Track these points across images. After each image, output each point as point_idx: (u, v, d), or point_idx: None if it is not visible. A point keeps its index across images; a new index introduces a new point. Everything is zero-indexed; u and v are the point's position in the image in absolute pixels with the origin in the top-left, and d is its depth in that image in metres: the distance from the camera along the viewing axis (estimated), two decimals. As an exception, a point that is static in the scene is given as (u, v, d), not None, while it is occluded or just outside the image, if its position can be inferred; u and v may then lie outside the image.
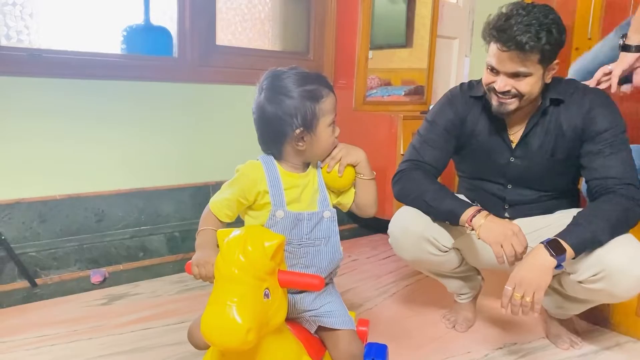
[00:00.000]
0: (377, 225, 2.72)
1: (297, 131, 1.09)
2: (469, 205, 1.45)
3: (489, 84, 1.45)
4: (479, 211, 1.42)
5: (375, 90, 2.97)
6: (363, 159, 1.20)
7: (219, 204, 1.12)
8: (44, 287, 2.00)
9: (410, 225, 1.53)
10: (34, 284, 1.99)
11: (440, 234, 1.54)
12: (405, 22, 3.77)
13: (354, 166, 1.19)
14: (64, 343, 1.61)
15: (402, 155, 2.54)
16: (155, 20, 2.29)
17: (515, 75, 1.39)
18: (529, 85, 1.40)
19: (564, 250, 1.31)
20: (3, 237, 1.84)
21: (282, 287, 0.96)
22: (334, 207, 1.22)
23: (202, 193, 2.44)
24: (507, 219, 1.56)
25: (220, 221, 1.12)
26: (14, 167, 1.98)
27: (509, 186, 1.60)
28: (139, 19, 2.26)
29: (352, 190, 1.23)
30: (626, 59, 1.60)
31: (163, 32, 2.31)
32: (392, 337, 1.67)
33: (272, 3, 2.67)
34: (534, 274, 1.30)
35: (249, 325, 0.84)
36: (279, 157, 1.16)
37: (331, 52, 2.82)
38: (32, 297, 1.93)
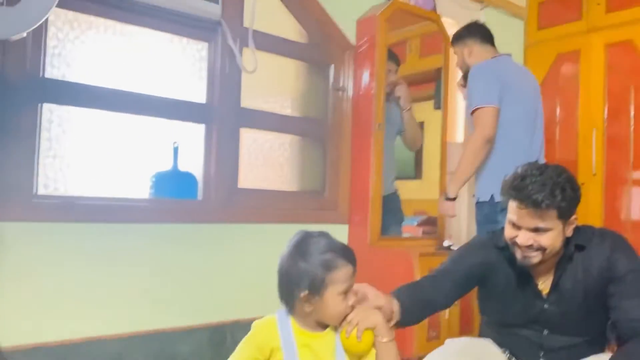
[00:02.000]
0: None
1: (303, 294, 1.14)
2: None
3: (512, 238, 1.50)
4: None
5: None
6: (380, 322, 1.20)
7: None
8: None
9: None
10: None
11: None
12: (414, 155, 3.97)
13: (372, 329, 1.20)
14: None
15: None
16: (182, 166, 2.45)
17: (536, 230, 1.44)
18: (551, 239, 1.45)
19: None
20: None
21: None
22: None
23: (219, 333, 2.42)
24: None
25: None
26: (38, 312, 2.00)
27: (545, 332, 1.59)
28: (167, 165, 2.42)
29: (373, 351, 1.22)
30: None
31: (189, 177, 2.45)
32: None
33: (291, 148, 2.86)
34: None
35: None
36: (293, 312, 1.20)
37: (346, 190, 2.94)
38: None
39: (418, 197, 3.44)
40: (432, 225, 3.35)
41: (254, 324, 1.20)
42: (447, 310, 2.51)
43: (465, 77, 2.71)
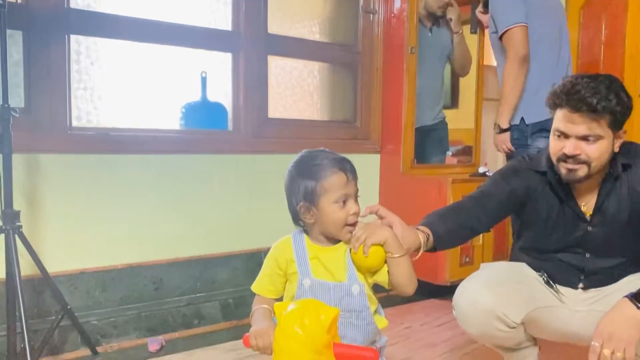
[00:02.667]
0: (431, 290, 2.68)
1: (299, 205, 1.18)
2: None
3: (559, 150, 1.44)
4: None
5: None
6: (389, 237, 1.18)
7: (259, 283, 1.24)
8: (104, 355, 2.06)
9: (479, 298, 1.48)
10: (95, 352, 2.05)
11: (510, 309, 1.48)
12: (451, 84, 3.85)
13: (382, 245, 1.18)
14: (124, 413, 1.64)
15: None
16: (211, 96, 2.44)
17: (585, 139, 1.39)
18: (599, 150, 1.39)
19: None
20: (69, 307, 1.93)
21: None
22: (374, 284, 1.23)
23: (255, 260, 2.49)
24: (580, 289, 1.56)
25: (267, 298, 1.23)
26: (80, 240, 2.09)
27: (587, 255, 1.56)
28: (196, 96, 2.41)
29: (386, 268, 1.22)
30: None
31: (219, 107, 2.45)
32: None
33: (320, 76, 2.80)
34: (622, 328, 1.25)
35: None
36: (305, 229, 1.24)
37: (377, 118, 2.89)
38: (94, 365, 1.98)
39: (454, 126, 3.35)
40: (468, 155, 3.29)
41: (274, 244, 1.28)
42: (480, 236, 2.49)
43: (485, 3, 2.60)
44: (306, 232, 1.25)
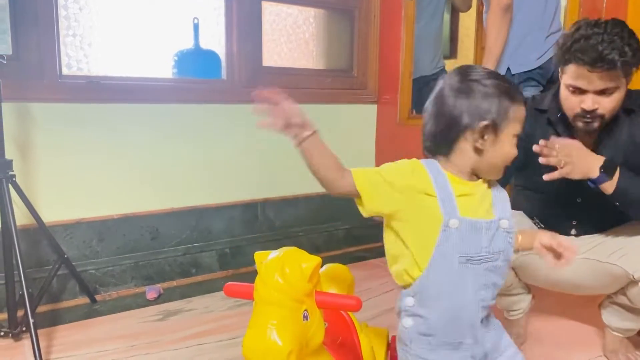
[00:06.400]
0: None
1: (483, 124, 0.97)
2: None
3: (577, 106, 1.42)
4: None
5: (420, 104, 2.97)
6: None
7: (365, 177, 0.99)
8: (102, 304, 2.09)
9: None
10: (93, 300, 2.08)
11: None
12: (450, 34, 3.77)
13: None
14: (124, 358, 1.68)
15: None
16: (204, 44, 2.38)
17: (602, 92, 1.38)
18: (614, 101, 1.39)
19: (610, 178, 1.37)
20: (66, 256, 1.94)
21: (319, 308, 0.97)
22: None
23: (251, 210, 2.50)
24: (572, 236, 1.59)
25: (355, 191, 0.99)
26: (74, 190, 2.09)
27: (579, 199, 1.57)
28: (189, 44, 2.35)
29: None
30: None
31: (212, 55, 2.39)
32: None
33: (315, 23, 2.73)
34: (580, 155, 1.39)
35: (290, 347, 0.86)
36: (445, 160, 1.03)
37: (375, 68, 2.84)
38: (92, 313, 2.02)
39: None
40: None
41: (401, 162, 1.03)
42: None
43: None
44: (441, 163, 1.03)
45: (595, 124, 1.42)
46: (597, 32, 1.33)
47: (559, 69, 1.46)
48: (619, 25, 1.35)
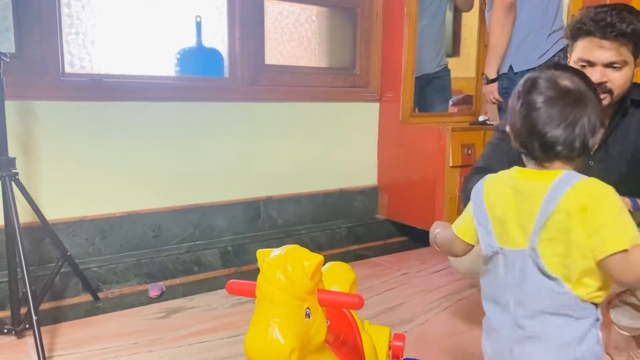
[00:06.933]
0: (427, 238, 2.70)
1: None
2: None
3: None
4: None
5: (423, 101, 2.97)
6: None
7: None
8: (105, 301, 2.09)
9: None
10: (96, 298, 2.08)
11: None
12: (452, 32, 3.76)
13: None
14: (127, 355, 1.68)
15: (451, 167, 2.53)
16: (206, 42, 2.38)
17: (611, 65, 1.39)
18: (623, 78, 1.40)
19: None
20: (69, 253, 1.95)
21: (321, 306, 0.97)
22: None
23: (253, 208, 2.50)
24: None
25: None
26: (77, 187, 2.09)
27: None
28: (191, 42, 2.35)
29: None
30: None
31: (214, 53, 2.40)
32: (445, 353, 1.66)
33: (318, 21, 2.73)
34: None
35: (292, 345, 0.85)
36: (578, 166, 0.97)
37: (377, 66, 2.84)
38: (95, 310, 2.02)
39: (455, 75, 3.30)
40: (468, 104, 3.25)
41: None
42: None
43: None
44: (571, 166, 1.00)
45: (605, 102, 1.42)
46: (606, 9, 1.37)
47: (568, 52, 1.48)
48: (627, 6, 1.39)
